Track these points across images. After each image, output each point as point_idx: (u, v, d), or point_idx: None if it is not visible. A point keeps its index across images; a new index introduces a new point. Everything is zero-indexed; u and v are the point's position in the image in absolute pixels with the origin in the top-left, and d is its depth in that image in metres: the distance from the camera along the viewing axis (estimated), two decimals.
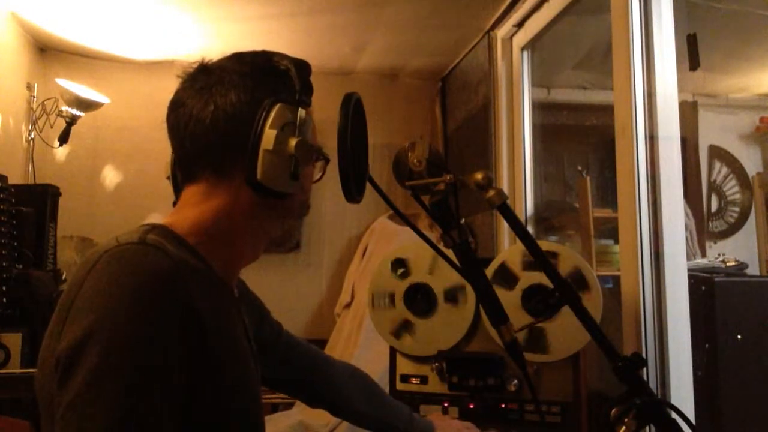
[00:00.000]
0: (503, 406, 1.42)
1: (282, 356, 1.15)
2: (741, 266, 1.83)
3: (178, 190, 0.90)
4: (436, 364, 1.50)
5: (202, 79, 0.85)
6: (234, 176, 0.83)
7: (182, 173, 0.88)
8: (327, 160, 0.95)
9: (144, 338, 0.67)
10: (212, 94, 0.83)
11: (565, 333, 1.38)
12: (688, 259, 1.72)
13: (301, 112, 0.84)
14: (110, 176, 3.06)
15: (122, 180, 3.07)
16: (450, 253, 0.93)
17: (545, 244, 1.60)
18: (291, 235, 0.93)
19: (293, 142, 0.82)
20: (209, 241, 0.83)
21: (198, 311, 0.72)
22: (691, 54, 1.64)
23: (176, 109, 0.86)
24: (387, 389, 1.47)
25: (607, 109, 1.67)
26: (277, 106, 0.82)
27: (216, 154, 0.84)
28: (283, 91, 0.84)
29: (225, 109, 0.82)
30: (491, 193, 0.88)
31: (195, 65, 0.88)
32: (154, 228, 0.79)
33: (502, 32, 2.48)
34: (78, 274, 0.72)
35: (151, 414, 0.65)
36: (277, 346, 1.14)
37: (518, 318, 1.38)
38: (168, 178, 0.94)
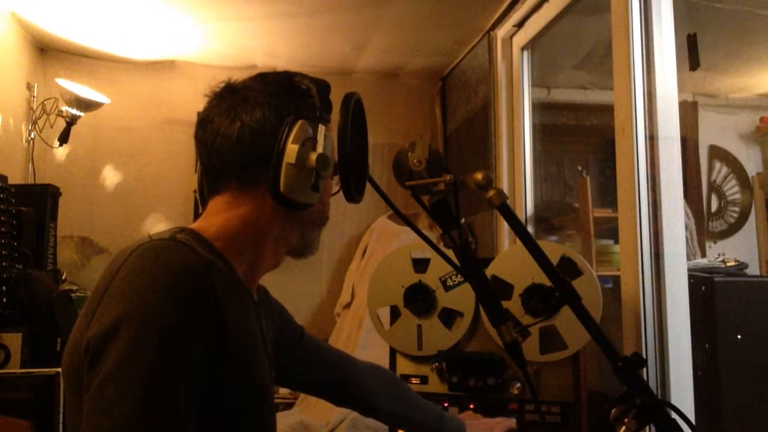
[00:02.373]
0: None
1: (304, 359, 1.18)
2: (741, 266, 1.83)
3: (204, 201, 0.95)
4: (436, 364, 1.50)
5: (229, 98, 0.90)
6: (258, 187, 0.88)
7: (209, 185, 0.93)
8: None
9: (171, 326, 0.71)
10: (238, 111, 0.88)
11: (575, 324, 1.37)
12: (688, 259, 1.72)
13: (321, 129, 0.88)
14: (110, 176, 3.06)
15: (122, 180, 3.07)
16: (450, 253, 0.94)
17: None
18: (311, 245, 0.97)
19: (314, 156, 0.86)
20: (233, 246, 0.88)
21: (221, 307, 0.77)
22: (691, 54, 1.65)
23: (204, 125, 0.91)
24: None
25: (607, 109, 1.67)
26: (299, 122, 0.86)
27: (241, 166, 0.88)
28: (304, 109, 0.89)
29: (251, 125, 0.87)
30: (491, 193, 0.89)
31: (222, 85, 0.93)
32: (183, 230, 0.85)
33: (502, 32, 2.48)
34: (112, 265, 0.78)
35: (174, 396, 0.69)
36: (298, 349, 1.17)
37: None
38: (194, 191, 0.99)
